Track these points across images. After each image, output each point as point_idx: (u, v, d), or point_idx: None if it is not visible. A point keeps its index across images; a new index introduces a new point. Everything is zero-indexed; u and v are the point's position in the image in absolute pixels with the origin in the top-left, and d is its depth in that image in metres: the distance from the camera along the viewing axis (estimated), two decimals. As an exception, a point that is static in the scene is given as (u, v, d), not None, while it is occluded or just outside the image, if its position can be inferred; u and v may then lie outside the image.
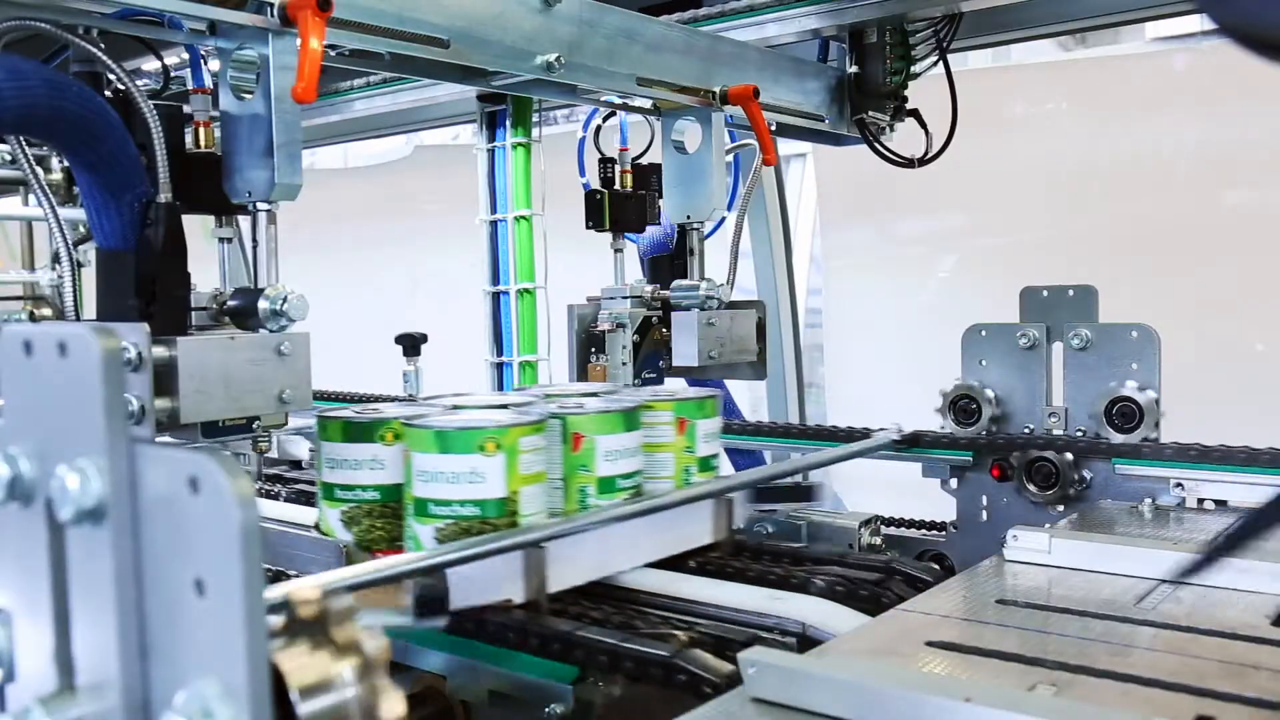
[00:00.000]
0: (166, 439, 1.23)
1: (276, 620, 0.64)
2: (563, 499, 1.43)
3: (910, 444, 1.93)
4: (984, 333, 1.93)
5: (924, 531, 2.00)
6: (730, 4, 2.40)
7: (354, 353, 3.26)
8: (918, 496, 2.02)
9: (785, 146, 3.63)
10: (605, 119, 2.24)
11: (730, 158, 2.21)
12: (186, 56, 1.40)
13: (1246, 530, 0.88)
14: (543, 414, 1.38)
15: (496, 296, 2.85)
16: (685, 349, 2.00)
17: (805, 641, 1.25)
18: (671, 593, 1.40)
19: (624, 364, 2.02)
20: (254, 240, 1.36)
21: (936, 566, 1.55)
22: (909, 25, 2.42)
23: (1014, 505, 1.85)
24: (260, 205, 1.34)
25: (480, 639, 1.26)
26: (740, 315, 2.10)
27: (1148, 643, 1.07)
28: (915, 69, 2.46)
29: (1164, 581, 1.26)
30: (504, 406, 1.47)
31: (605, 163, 2.13)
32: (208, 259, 1.41)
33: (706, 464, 1.60)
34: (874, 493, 2.59)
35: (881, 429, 1.95)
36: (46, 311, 3.12)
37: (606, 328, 2.03)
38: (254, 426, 1.34)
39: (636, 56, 1.84)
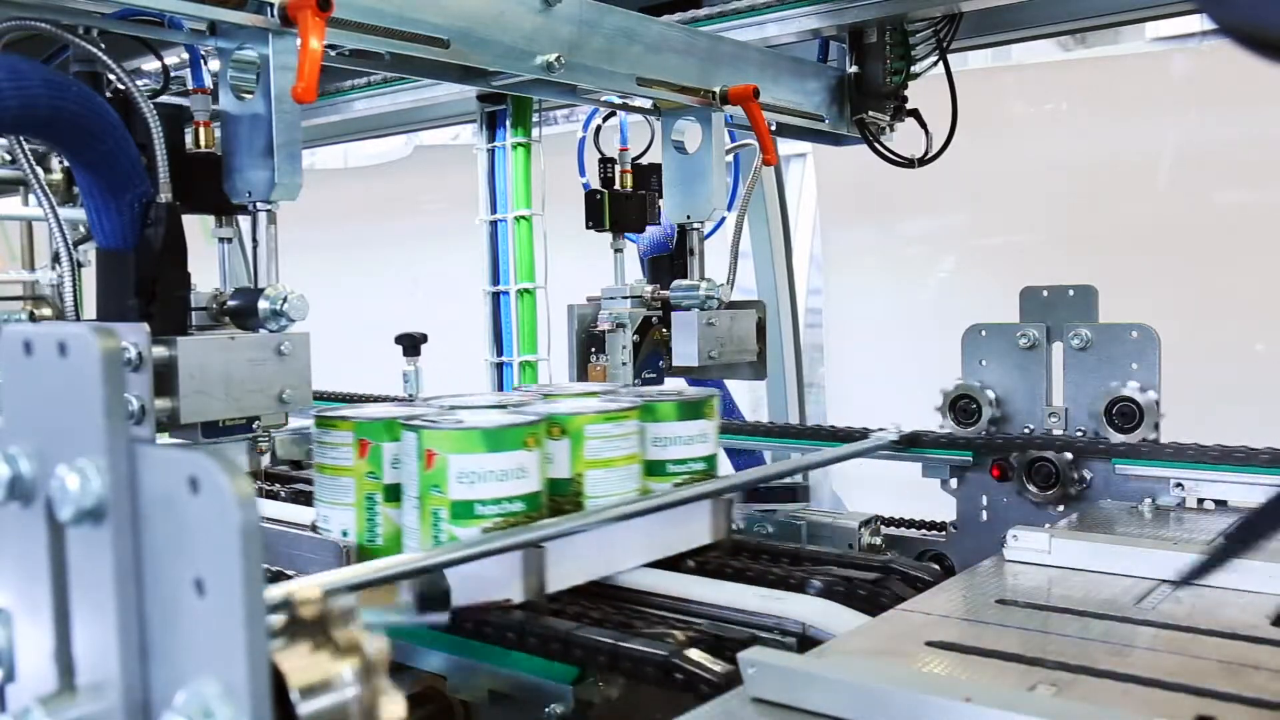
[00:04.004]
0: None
1: (277, 620, 0.64)
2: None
3: (910, 444, 1.93)
4: (984, 333, 1.93)
5: (924, 531, 2.00)
6: (730, 4, 2.40)
7: (354, 352, 3.26)
8: (918, 497, 2.02)
9: (785, 146, 3.62)
10: (605, 119, 2.24)
11: (730, 158, 2.21)
12: (186, 56, 1.40)
13: (1248, 532, 0.88)
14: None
15: (496, 296, 2.84)
16: (685, 349, 2.00)
17: (805, 641, 1.25)
18: (672, 593, 1.40)
19: (624, 364, 2.02)
20: (254, 240, 1.36)
21: (936, 566, 1.55)
22: (909, 25, 2.42)
23: (1014, 505, 1.85)
24: (260, 205, 1.34)
25: (479, 639, 1.26)
26: (740, 315, 2.10)
27: (1148, 643, 1.07)
28: (915, 69, 2.46)
29: (1164, 581, 1.26)
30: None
31: (605, 163, 2.13)
32: (208, 259, 1.41)
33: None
34: (874, 493, 2.59)
35: (881, 429, 1.95)
36: (46, 311, 3.11)
37: (606, 328, 2.03)
38: (254, 426, 1.34)
39: (636, 56, 1.84)
